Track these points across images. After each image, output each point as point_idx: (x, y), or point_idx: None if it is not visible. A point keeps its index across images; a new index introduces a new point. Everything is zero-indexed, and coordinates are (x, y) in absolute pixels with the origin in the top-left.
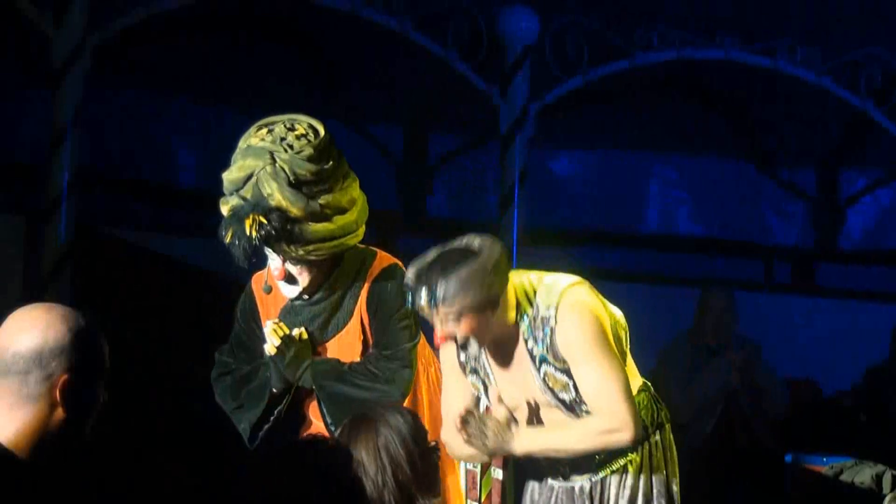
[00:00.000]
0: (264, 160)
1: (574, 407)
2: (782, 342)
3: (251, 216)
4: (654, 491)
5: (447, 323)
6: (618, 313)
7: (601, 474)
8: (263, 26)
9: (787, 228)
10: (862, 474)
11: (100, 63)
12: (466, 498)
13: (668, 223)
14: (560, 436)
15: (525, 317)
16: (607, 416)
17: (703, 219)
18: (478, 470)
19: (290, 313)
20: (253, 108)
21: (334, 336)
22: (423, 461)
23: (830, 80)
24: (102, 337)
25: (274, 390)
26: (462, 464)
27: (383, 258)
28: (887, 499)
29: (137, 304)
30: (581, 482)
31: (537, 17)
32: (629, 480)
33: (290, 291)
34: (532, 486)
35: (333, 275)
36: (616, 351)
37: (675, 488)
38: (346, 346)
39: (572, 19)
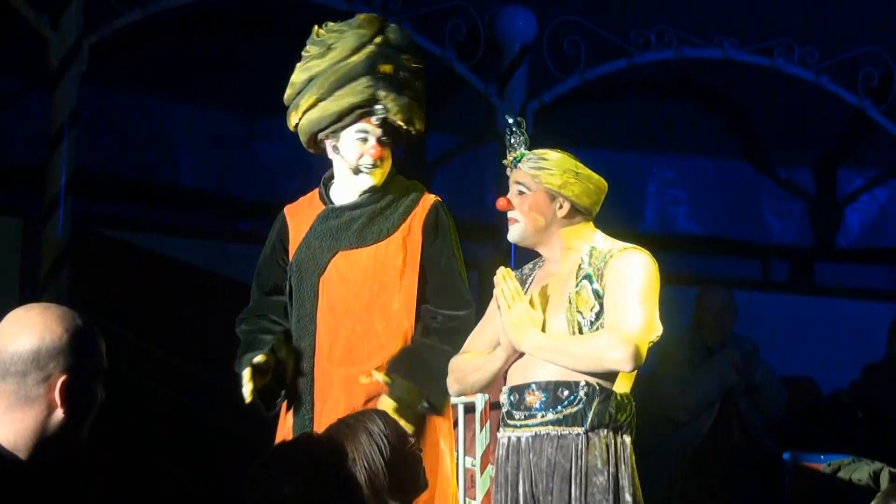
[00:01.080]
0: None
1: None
2: (780, 341)
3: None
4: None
5: (517, 186)
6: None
7: (547, 430)
8: (260, 26)
9: (784, 227)
10: (860, 472)
11: (97, 64)
12: (464, 497)
13: (665, 222)
14: (565, 339)
15: (586, 248)
16: (614, 333)
17: (701, 218)
18: (476, 469)
19: (326, 218)
20: (250, 109)
21: (373, 244)
22: (403, 464)
23: (828, 79)
24: (100, 337)
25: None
26: (460, 463)
27: (431, 194)
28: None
29: (134, 304)
30: (525, 434)
31: (535, 16)
32: (578, 456)
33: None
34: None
35: (386, 181)
36: (655, 304)
37: (630, 499)
38: (382, 257)
39: (569, 19)
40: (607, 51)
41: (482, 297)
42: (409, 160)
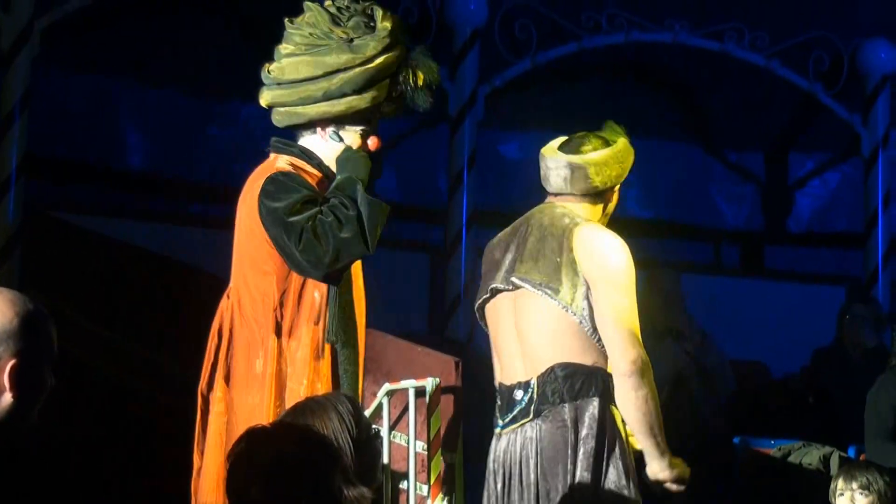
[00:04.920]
0: None
1: None
2: (731, 325)
3: None
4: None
5: None
6: None
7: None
8: (210, 8)
9: (735, 211)
10: (809, 456)
11: (48, 47)
12: (415, 481)
13: (616, 206)
14: None
15: None
16: None
17: (652, 202)
18: (426, 453)
19: None
20: (201, 91)
21: None
22: (367, 448)
23: (778, 64)
24: (51, 321)
25: None
26: (411, 447)
27: None
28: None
29: (86, 287)
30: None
31: (486, 0)
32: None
33: None
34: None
35: None
36: None
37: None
38: None
39: (521, 2)
40: (559, 34)
41: (433, 279)
42: None
